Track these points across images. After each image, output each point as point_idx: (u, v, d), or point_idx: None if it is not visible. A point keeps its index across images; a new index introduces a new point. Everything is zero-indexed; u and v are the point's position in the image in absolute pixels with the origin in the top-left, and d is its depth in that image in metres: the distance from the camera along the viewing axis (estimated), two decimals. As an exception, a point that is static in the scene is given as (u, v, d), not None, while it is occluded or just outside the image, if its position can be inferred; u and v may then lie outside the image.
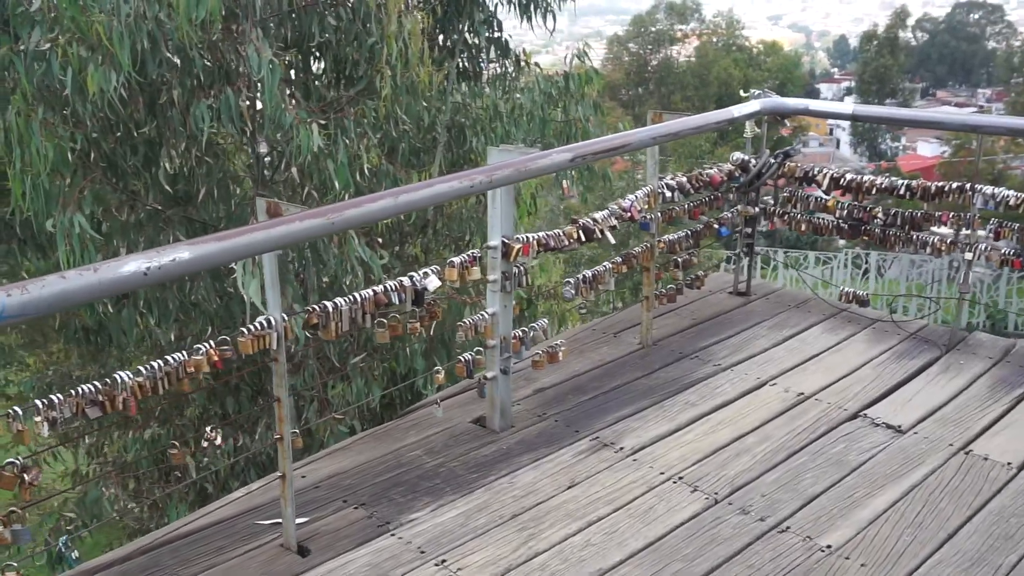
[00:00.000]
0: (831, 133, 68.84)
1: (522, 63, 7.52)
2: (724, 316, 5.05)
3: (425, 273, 3.35)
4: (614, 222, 4.13)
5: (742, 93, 4.98)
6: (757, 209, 5.09)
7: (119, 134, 5.04)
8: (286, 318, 2.88)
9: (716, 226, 4.94)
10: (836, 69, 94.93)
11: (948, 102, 72.56)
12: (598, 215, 4.06)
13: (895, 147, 54.78)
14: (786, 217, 5.07)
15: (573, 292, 4.11)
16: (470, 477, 3.48)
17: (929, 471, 3.50)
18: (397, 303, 3.24)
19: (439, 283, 3.36)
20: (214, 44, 4.95)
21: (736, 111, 4.46)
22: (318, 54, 5.91)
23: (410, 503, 3.32)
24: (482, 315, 3.64)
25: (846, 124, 55.89)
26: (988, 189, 4.26)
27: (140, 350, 5.83)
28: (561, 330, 6.75)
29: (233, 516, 3.24)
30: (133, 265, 2.15)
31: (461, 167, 7.53)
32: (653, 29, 50.35)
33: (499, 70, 7.44)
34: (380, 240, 5.42)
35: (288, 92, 4.76)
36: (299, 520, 3.13)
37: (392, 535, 3.13)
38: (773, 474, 3.49)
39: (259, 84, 4.65)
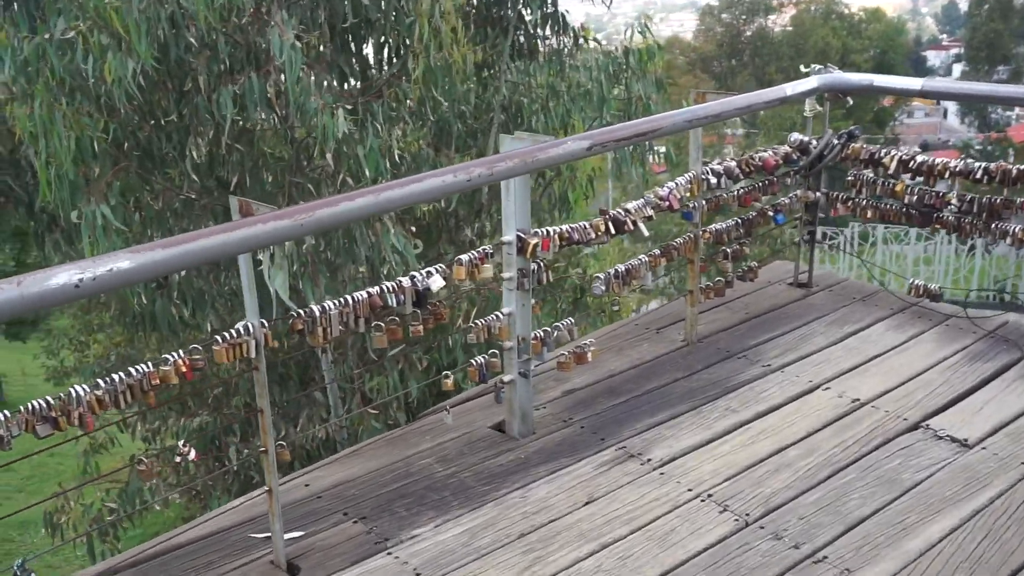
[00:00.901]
0: (938, 103, 65.75)
1: (580, 39, 7.18)
2: (780, 310, 4.67)
3: (428, 272, 3.12)
4: (650, 212, 3.81)
5: (803, 68, 4.56)
6: (819, 194, 4.68)
7: (152, 122, 4.95)
8: (266, 324, 2.69)
9: (771, 213, 4.56)
10: (944, 36, 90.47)
11: (1067, 68, 68.41)
12: (631, 205, 3.75)
13: (1008, 116, 51.83)
14: (850, 203, 4.64)
15: (603, 288, 3.81)
16: (481, 489, 3.25)
17: (996, 494, 3.10)
18: (396, 305, 3.01)
19: (443, 283, 3.12)
20: (243, 28, 4.80)
21: (790, 89, 4.06)
22: (351, 36, 5.69)
23: (413, 517, 3.10)
24: (497, 315, 3.39)
25: (954, 93, 53.10)
26: (1078, 172, 3.77)
27: (183, 338, 5.78)
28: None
29: (228, 528, 3.09)
30: (63, 277, 1.97)
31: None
32: (747, -1, 48.75)
33: (556, 46, 7.11)
34: (414, 229, 5.23)
35: (313, 76, 4.58)
36: (293, 535, 2.96)
37: (389, 554, 2.92)
38: (815, 493, 3.15)
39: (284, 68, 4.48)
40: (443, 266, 3.17)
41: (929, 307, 4.56)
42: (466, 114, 7.52)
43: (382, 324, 3.05)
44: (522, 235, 3.30)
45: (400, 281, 3.04)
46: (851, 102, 4.41)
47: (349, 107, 4.90)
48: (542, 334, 3.57)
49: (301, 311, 2.82)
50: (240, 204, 2.49)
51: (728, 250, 4.44)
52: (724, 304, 4.74)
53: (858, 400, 3.73)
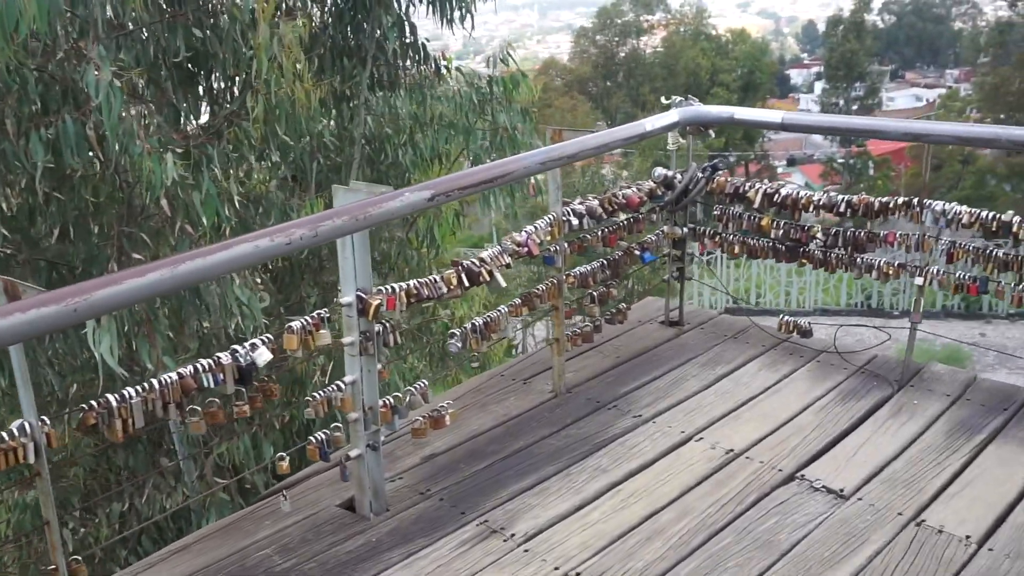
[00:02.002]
0: (803, 119, 68.62)
1: (441, 68, 6.91)
2: (652, 352, 4.48)
3: (253, 345, 2.75)
4: (507, 260, 3.54)
5: (663, 100, 4.41)
6: (686, 230, 4.53)
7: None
8: (47, 422, 2.27)
9: (638, 252, 4.37)
10: (806, 54, 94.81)
11: (917, 83, 72.59)
12: (485, 254, 3.48)
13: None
14: (718, 238, 4.50)
15: (459, 346, 3.52)
16: (326, 584, 2.89)
17: (874, 551, 2.94)
18: (213, 386, 2.63)
19: (270, 356, 2.76)
20: (61, 64, 4.33)
21: (649, 124, 3.88)
22: (188, 72, 5.26)
23: (246, 625, 2.72)
24: (339, 384, 3.05)
25: (817, 108, 55.58)
26: (938, 205, 3.70)
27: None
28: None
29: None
30: None
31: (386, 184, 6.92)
32: (619, 21, 49.61)
33: (418, 77, 6.82)
34: (259, 280, 4.83)
35: (136, 116, 4.14)
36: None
37: (214, 675, 2.53)
38: (689, 563, 2.92)
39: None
40: (270, 336, 2.80)
41: (800, 343, 4.45)
42: (329, 147, 7.16)
43: (198, 408, 2.67)
44: (363, 295, 2.98)
45: (219, 358, 2.66)
46: (713, 135, 4.27)
47: (180, 150, 4.49)
48: (392, 401, 3.24)
49: (94, 403, 2.41)
50: (5, 284, 2.09)
51: (594, 293, 4.22)
52: (595, 348, 4.52)
53: (732, 451, 3.54)
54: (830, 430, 3.69)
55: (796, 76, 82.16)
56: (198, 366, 2.60)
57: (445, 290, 3.30)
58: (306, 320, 2.90)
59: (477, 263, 3.41)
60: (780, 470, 3.41)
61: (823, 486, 3.29)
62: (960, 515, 3.09)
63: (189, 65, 5.10)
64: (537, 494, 3.32)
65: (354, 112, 6.46)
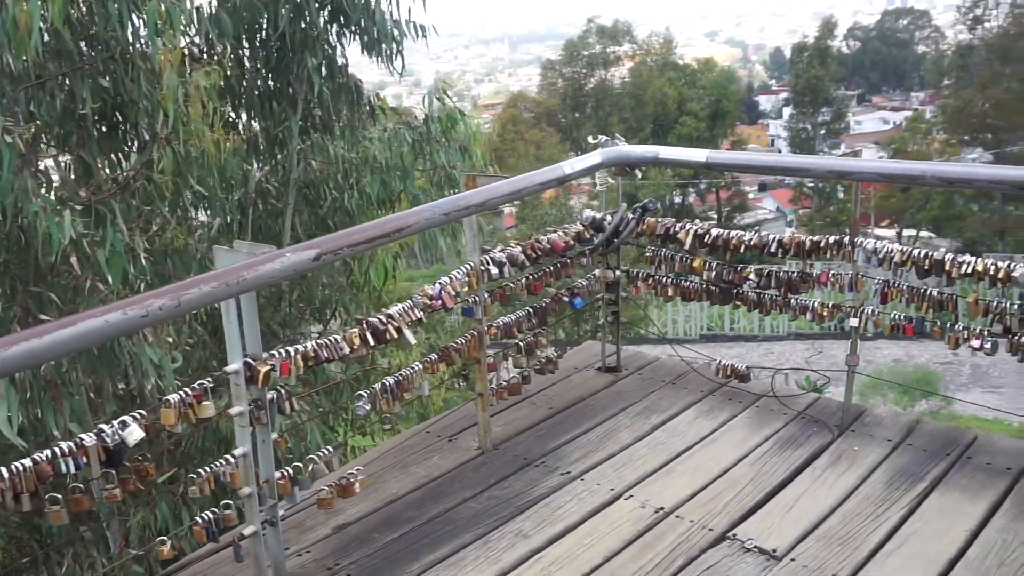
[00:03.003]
0: (772, 143, 69.33)
1: (377, 109, 6.75)
2: (586, 402, 4.29)
3: (123, 422, 2.54)
4: (419, 315, 3.35)
5: (590, 140, 4.26)
6: (619, 272, 4.36)
7: None
8: None
9: (567, 298, 4.19)
10: (774, 81, 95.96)
11: (884, 106, 73.56)
12: (394, 309, 3.28)
13: (835, 154, 55.00)
14: (651, 280, 4.34)
15: (368, 408, 3.31)
16: None
17: (805, 621, 2.75)
18: (75, 470, 2.42)
19: (142, 434, 2.55)
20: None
21: (568, 167, 3.72)
22: (96, 123, 5.06)
23: None
24: (228, 458, 2.83)
25: (785, 134, 56.09)
26: (870, 244, 3.56)
27: None
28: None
29: None
30: None
31: (321, 230, 6.75)
32: (586, 53, 49.93)
33: (351, 119, 6.66)
34: (170, 340, 4.60)
35: (38, 173, 3.95)
36: None
37: None
38: (608, 640, 2.71)
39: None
40: (143, 412, 2.59)
41: (739, 388, 4.28)
42: (270, 192, 6.98)
43: (59, 496, 2.44)
44: (252, 362, 2.77)
45: (81, 439, 2.44)
46: (639, 175, 4.12)
47: (80, 207, 4.28)
48: (291, 471, 3.03)
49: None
50: None
51: (521, 343, 4.04)
52: (527, 399, 4.33)
53: (662, 509, 3.35)
54: (765, 483, 3.50)
55: (765, 102, 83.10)
56: (57, 449, 2.38)
57: (347, 350, 3.10)
58: (185, 392, 2.68)
59: (383, 320, 3.21)
60: (711, 530, 3.21)
61: (755, 546, 3.10)
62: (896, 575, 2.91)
63: (97, 117, 4.91)
64: (451, 565, 3.11)
65: (288, 157, 6.29)
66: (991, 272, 3.25)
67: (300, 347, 2.98)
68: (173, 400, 2.65)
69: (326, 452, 3.18)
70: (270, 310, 6.70)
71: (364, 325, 3.18)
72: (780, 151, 64.02)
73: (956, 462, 3.54)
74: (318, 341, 3.05)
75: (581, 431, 4.00)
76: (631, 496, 3.46)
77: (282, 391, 2.92)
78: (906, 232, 39.54)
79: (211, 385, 2.75)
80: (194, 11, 5.27)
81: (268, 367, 2.79)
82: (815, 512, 3.28)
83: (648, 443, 3.87)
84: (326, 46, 6.17)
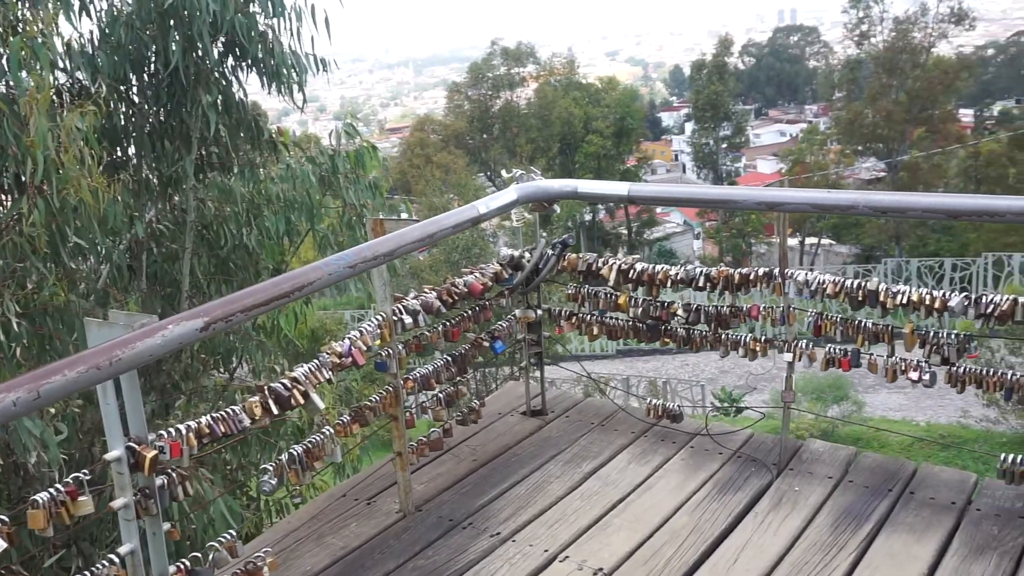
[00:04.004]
0: (676, 158, 70.69)
1: (278, 145, 6.41)
2: (513, 451, 4.04)
3: (-21, 531, 2.17)
4: (327, 375, 3.06)
5: (504, 175, 4.03)
6: (540, 312, 4.14)
7: None
8: None
9: (487, 342, 3.94)
10: (675, 98, 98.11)
11: (780, 120, 75.89)
12: (298, 372, 2.98)
13: (737, 167, 56.30)
14: (574, 319, 4.13)
15: (274, 484, 2.99)
16: None
17: None
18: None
19: (4, 545, 2.18)
20: None
21: (483, 206, 3.48)
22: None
23: None
24: (111, 559, 2.48)
25: (689, 149, 57.27)
26: (801, 275, 3.42)
27: None
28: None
29: None
30: None
31: (222, 272, 6.35)
32: (491, 75, 49.99)
33: (252, 156, 6.30)
34: (52, 410, 4.19)
35: None
36: None
37: None
38: None
39: None
40: (5, 519, 2.23)
41: (671, 428, 4.09)
42: (164, 234, 6.55)
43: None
44: (136, 446, 2.43)
45: (-73, 557, 2.08)
46: (557, 210, 3.91)
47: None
48: (189, 564, 2.68)
49: None
50: None
51: (440, 395, 3.77)
52: (450, 451, 4.05)
53: (601, 571, 3.12)
54: (707, 532, 3.30)
55: (667, 119, 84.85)
56: None
57: (248, 422, 2.79)
58: (56, 489, 2.33)
59: (287, 384, 2.91)
60: (654, 591, 2.99)
61: (703, 608, 2.89)
62: (853, 631, 2.74)
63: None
64: (375, 654, 2.81)
65: (184, 197, 5.90)
66: (927, 302, 3.13)
67: (193, 423, 2.65)
68: (42, 500, 2.29)
69: (228, 537, 2.84)
70: (170, 361, 6.26)
71: (266, 392, 2.86)
72: (684, 166, 65.34)
73: (899, 498, 3.41)
74: (213, 415, 2.72)
75: (509, 484, 3.74)
76: (567, 557, 3.22)
77: (173, 475, 2.59)
78: (808, 240, 40.65)
79: (88, 477, 2.40)
80: (65, 48, 4.87)
81: (155, 451, 2.46)
82: (761, 563, 3.10)
83: (581, 494, 3.64)
84: (222, 80, 5.81)
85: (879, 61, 39.79)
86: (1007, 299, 3.03)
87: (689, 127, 58.79)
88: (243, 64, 5.88)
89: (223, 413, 2.74)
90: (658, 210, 50.02)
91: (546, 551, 3.26)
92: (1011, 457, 3.24)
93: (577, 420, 4.28)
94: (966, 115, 49.77)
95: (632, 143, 49.17)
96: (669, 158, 71.20)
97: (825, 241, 41.14)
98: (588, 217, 44.69)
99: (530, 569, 3.16)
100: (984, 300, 3.06)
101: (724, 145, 53.10)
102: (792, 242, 40.10)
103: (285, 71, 5.72)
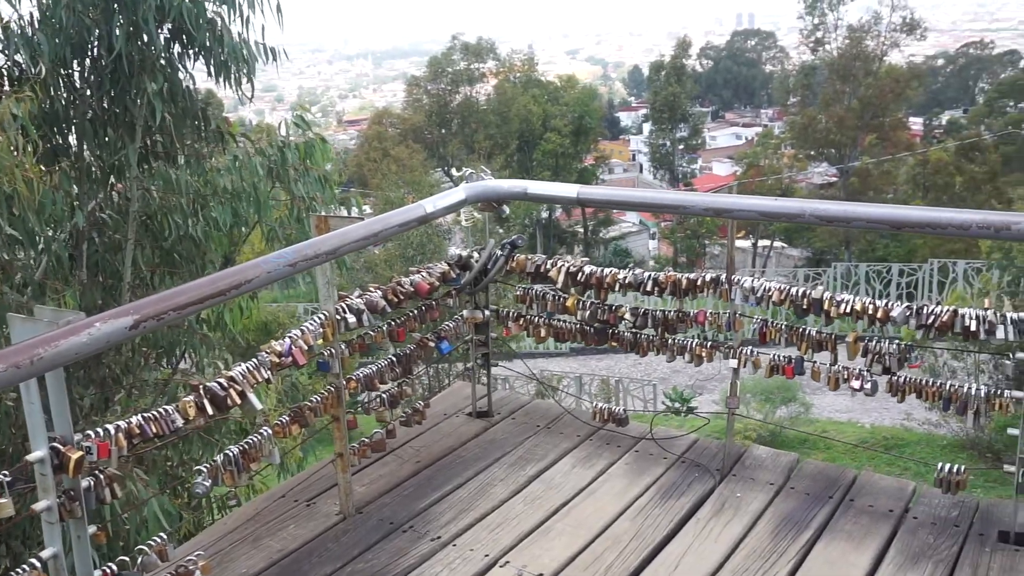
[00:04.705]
0: (634, 158, 71.11)
1: (226, 136, 6.28)
2: (457, 453, 4.00)
3: None
4: (266, 375, 2.99)
5: (454, 173, 3.98)
6: (488, 312, 4.10)
7: None
8: None
9: (433, 343, 3.90)
10: (633, 98, 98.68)
11: (736, 123, 76.73)
12: (236, 371, 2.90)
13: (693, 168, 56.82)
14: (522, 321, 4.10)
15: (208, 485, 2.92)
16: None
17: None
18: None
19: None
20: None
21: (431, 205, 3.43)
22: None
23: None
24: (32, 563, 2.39)
25: (646, 149, 57.64)
26: (747, 282, 3.42)
27: None
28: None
29: None
30: None
31: (167, 264, 6.21)
32: (451, 70, 49.78)
33: (198, 146, 6.17)
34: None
35: None
36: None
37: None
38: None
39: None
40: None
41: (616, 432, 4.07)
42: (107, 224, 6.38)
43: None
44: (60, 447, 2.35)
45: None
46: (507, 211, 3.87)
47: None
48: (115, 568, 2.60)
49: None
50: None
51: (384, 395, 3.71)
52: (393, 451, 4.00)
53: (541, 576, 3.09)
54: (649, 538, 3.29)
55: (626, 119, 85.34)
56: None
57: (181, 422, 2.71)
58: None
59: (224, 384, 2.83)
60: (594, 598, 2.98)
61: (642, 614, 2.88)
62: (790, 640, 2.74)
63: None
64: (309, 661, 2.75)
65: (128, 186, 5.75)
66: (869, 311, 3.15)
67: (123, 423, 2.57)
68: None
69: (158, 540, 2.76)
70: (110, 354, 6.11)
71: (201, 391, 2.79)
72: (642, 166, 65.74)
73: (839, 505, 3.43)
74: (144, 415, 2.64)
75: (452, 487, 3.70)
76: (507, 563, 3.18)
77: (100, 476, 2.50)
78: (761, 242, 41.15)
79: (8, 479, 2.31)
80: (2, 28, 4.69)
81: (80, 452, 2.38)
82: (702, 570, 3.09)
83: (524, 498, 3.61)
84: (168, 68, 5.66)
85: (833, 68, 40.40)
86: (947, 310, 3.06)
87: (647, 127, 59.15)
88: (190, 52, 5.74)
89: (155, 413, 2.66)
90: (613, 210, 50.33)
91: (487, 556, 3.22)
92: (947, 467, 3.28)
93: (523, 422, 4.26)
94: (916, 123, 50.82)
95: (590, 142, 49.32)
96: (627, 158, 71.60)
97: (777, 244, 41.67)
98: (545, 215, 44.73)
99: (470, 574, 3.13)
100: (925, 311, 3.09)
101: (681, 146, 53.55)
102: (746, 244, 40.60)
103: (234, 60, 5.60)
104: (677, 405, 17.35)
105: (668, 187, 52.63)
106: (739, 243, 41.10)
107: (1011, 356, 3.16)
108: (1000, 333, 2.99)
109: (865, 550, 3.15)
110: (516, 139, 47.40)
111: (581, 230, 47.07)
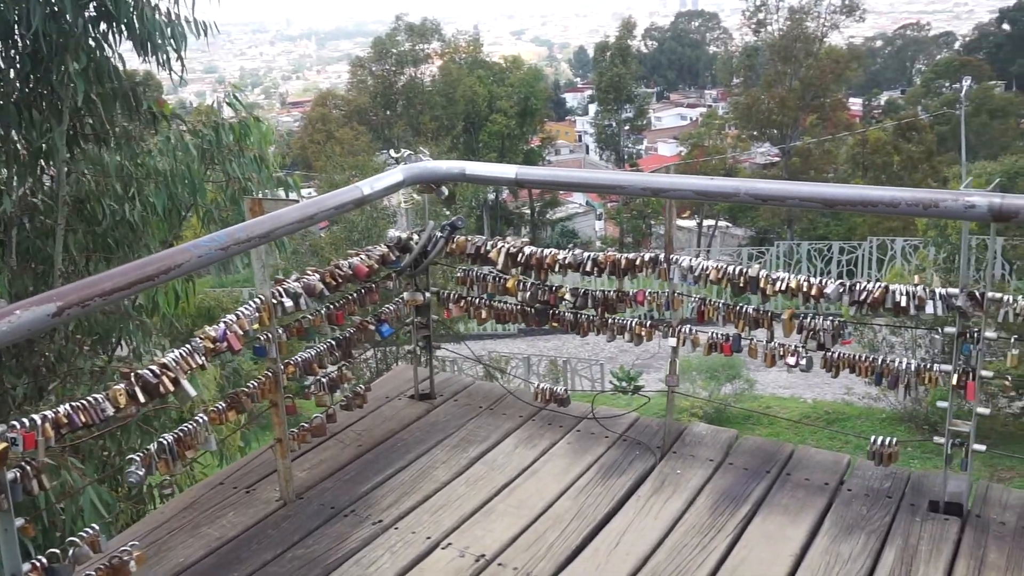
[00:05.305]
0: (580, 139, 71.28)
1: (159, 117, 6.13)
2: (399, 436, 3.98)
3: None
4: (200, 360, 2.93)
5: (392, 154, 3.93)
6: (428, 295, 4.07)
7: None
8: None
9: (373, 326, 3.86)
10: (579, 79, 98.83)
11: (681, 103, 77.33)
12: (168, 358, 2.84)
13: (639, 149, 57.17)
14: (463, 303, 4.08)
15: (141, 475, 2.86)
16: None
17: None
18: None
19: None
20: None
21: (367, 187, 3.39)
22: None
23: None
24: (-44, 558, 2.32)
25: (592, 130, 57.78)
26: (685, 261, 3.44)
27: None
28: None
29: None
30: None
31: (101, 249, 6.07)
32: (395, 51, 49.28)
33: (129, 127, 6.02)
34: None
35: None
36: None
37: None
38: None
39: None
40: None
41: (558, 411, 4.09)
42: (37, 208, 6.20)
43: None
44: (-18, 438, 2.28)
45: None
46: (446, 192, 3.84)
47: None
48: (45, 560, 2.54)
49: None
50: None
51: (324, 379, 3.67)
52: (334, 437, 3.96)
53: (483, 557, 3.09)
54: (590, 517, 3.32)
55: (572, 100, 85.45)
56: None
57: (111, 411, 2.64)
58: None
59: (157, 371, 2.77)
60: (536, 577, 2.99)
61: (583, 592, 2.90)
62: (727, 612, 2.78)
63: None
64: (248, 649, 2.72)
65: (58, 170, 5.59)
66: (804, 289, 3.20)
67: (50, 413, 2.50)
68: None
69: (90, 531, 2.70)
70: (44, 341, 5.96)
71: (133, 379, 2.72)
72: (588, 147, 65.92)
73: (776, 480, 3.49)
74: (73, 403, 2.58)
75: (394, 471, 3.69)
76: (449, 544, 3.18)
77: (27, 468, 2.44)
78: (707, 222, 41.63)
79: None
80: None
81: (5, 444, 2.31)
82: (642, 546, 3.12)
83: (466, 479, 3.61)
84: (95, 47, 5.49)
85: (775, 49, 40.89)
86: (879, 287, 3.12)
87: (593, 108, 59.31)
88: (116, 29, 5.58)
89: (84, 402, 2.59)
90: (560, 191, 50.39)
91: (429, 538, 3.22)
92: (880, 439, 3.35)
93: (466, 404, 4.25)
94: (855, 104, 51.77)
95: (536, 123, 49.28)
96: (573, 139, 71.74)
97: (722, 224, 42.18)
98: (492, 197, 44.66)
99: (412, 557, 3.12)
100: (858, 288, 3.15)
101: (626, 127, 53.79)
102: (691, 224, 41.04)
103: (160, 36, 5.44)
104: (624, 384, 17.52)
105: (614, 168, 52.84)
106: (685, 223, 41.57)
107: (940, 331, 3.24)
108: (929, 308, 3.06)
109: (801, 523, 3.21)
110: (462, 121, 47.19)
111: (528, 212, 47.09)
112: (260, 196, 3.15)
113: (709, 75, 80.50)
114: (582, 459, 3.72)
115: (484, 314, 4.03)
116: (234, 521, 3.38)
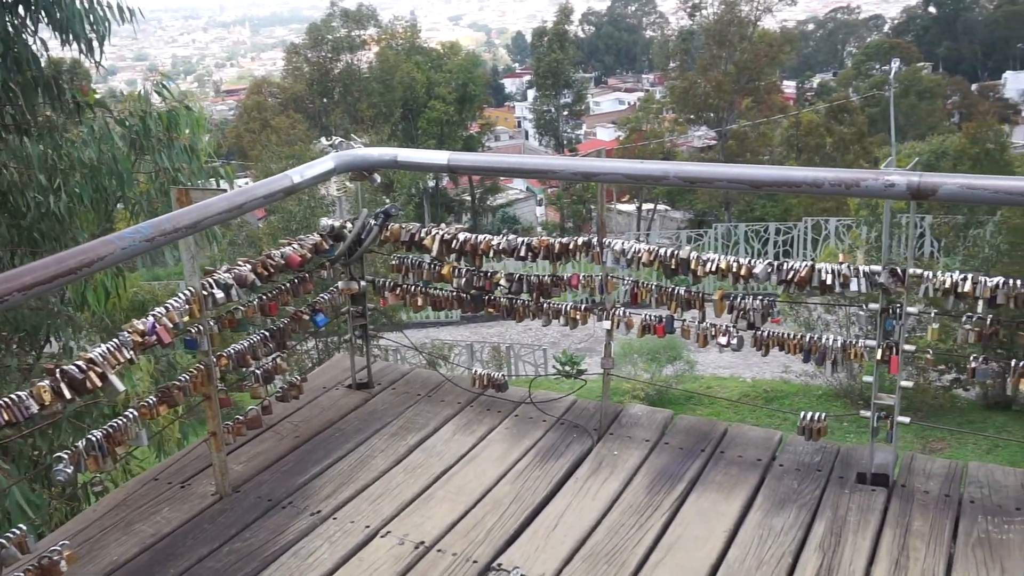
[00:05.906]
0: (519, 125, 71.28)
1: (83, 107, 5.97)
2: (336, 426, 3.96)
3: None
4: (128, 355, 2.87)
5: (323, 142, 3.89)
6: (364, 283, 4.05)
7: None
8: None
9: (308, 316, 3.83)
10: (517, 65, 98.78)
11: (618, 88, 77.79)
12: (96, 352, 2.79)
13: (578, 134, 57.39)
14: (399, 290, 4.07)
15: (70, 472, 2.80)
16: None
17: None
18: None
19: None
20: None
21: (298, 175, 3.35)
22: None
23: None
24: None
25: (531, 116, 57.80)
26: (617, 244, 3.48)
27: None
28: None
29: None
30: None
31: (26, 243, 5.90)
32: (331, 37, 48.62)
33: (54, 117, 5.85)
34: None
35: None
36: None
37: None
38: None
39: None
40: None
41: (497, 397, 4.10)
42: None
43: None
44: (-102, 441, 2.21)
45: None
46: (379, 180, 3.82)
47: None
48: (-31, 564, 2.48)
49: None
50: None
51: (258, 371, 3.63)
52: (271, 429, 3.92)
53: (422, 543, 3.10)
54: (528, 500, 3.34)
55: (510, 85, 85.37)
56: None
57: (36, 408, 2.58)
58: None
59: (83, 366, 2.71)
60: (475, 561, 3.00)
61: (521, 575, 2.92)
62: (664, 589, 2.83)
63: None
64: (184, 645, 2.69)
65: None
66: (734, 270, 3.26)
67: (-28, 413, 2.44)
68: None
69: (17, 531, 2.64)
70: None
71: (58, 375, 2.66)
72: (527, 133, 65.96)
73: (711, 458, 3.56)
74: (6, 398, 2.51)
75: (332, 461, 3.67)
76: (388, 532, 3.18)
77: (-52, 470, 2.37)
78: (646, 205, 42.01)
79: None
80: None
81: (-77, 445, 2.24)
82: (580, 528, 3.16)
83: (405, 467, 3.61)
84: (14, 34, 5.32)
85: (710, 33, 41.30)
86: (805, 266, 3.18)
87: (531, 94, 59.29)
88: (35, 15, 5.41)
89: (6, 400, 2.53)
90: (501, 176, 50.38)
91: (367, 527, 3.21)
92: (810, 415, 3.43)
93: (404, 392, 4.24)
94: (789, 87, 52.63)
95: (475, 110, 49.09)
96: (512, 125, 71.71)
97: (661, 207, 42.60)
98: (432, 184, 44.46)
99: (351, 546, 3.11)
100: (785, 267, 3.21)
101: (565, 112, 53.90)
102: (631, 208, 41.39)
103: (80, 22, 5.29)
104: (567, 368, 17.64)
105: (553, 153, 52.93)
106: (625, 207, 41.91)
107: (865, 307, 3.32)
108: (854, 286, 3.14)
109: (735, 499, 3.27)
110: (400, 108, 46.77)
111: (469, 198, 46.98)
112: (190, 186, 3.09)
113: (646, 59, 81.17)
114: (520, 443, 3.74)
115: (420, 301, 4.03)
116: (168, 517, 3.34)
